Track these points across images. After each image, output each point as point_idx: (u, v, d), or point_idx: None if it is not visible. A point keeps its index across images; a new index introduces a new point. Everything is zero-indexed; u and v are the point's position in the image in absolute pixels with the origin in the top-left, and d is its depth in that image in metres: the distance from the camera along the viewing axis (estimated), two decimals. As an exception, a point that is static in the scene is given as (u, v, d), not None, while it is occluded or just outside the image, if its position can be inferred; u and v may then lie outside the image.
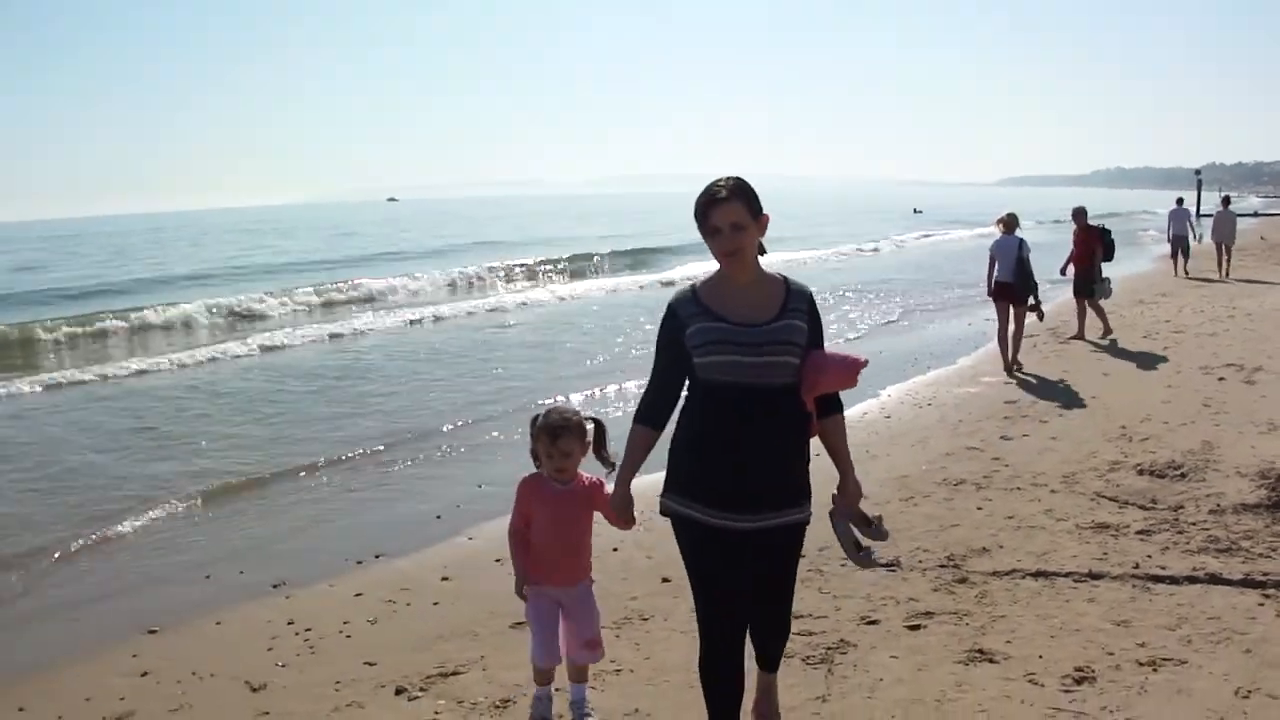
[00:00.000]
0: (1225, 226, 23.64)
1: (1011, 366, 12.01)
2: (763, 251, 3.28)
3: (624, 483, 3.46)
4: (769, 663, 3.71)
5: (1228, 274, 22.72)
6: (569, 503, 3.78)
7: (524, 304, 23.12)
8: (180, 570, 6.39)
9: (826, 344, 3.36)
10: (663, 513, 3.35)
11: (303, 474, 8.61)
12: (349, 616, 5.43)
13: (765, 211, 3.21)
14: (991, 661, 4.53)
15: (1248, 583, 5.22)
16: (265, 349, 16.56)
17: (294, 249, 49.48)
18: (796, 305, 3.23)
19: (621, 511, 3.49)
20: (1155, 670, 4.34)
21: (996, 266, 12.03)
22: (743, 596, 3.35)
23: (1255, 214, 64.67)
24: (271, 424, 10.64)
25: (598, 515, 3.84)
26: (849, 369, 3.25)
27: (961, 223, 60.08)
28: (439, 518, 7.21)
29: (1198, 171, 63.85)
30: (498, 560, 6.03)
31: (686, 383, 3.27)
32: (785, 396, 3.18)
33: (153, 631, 5.37)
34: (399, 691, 4.47)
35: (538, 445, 3.74)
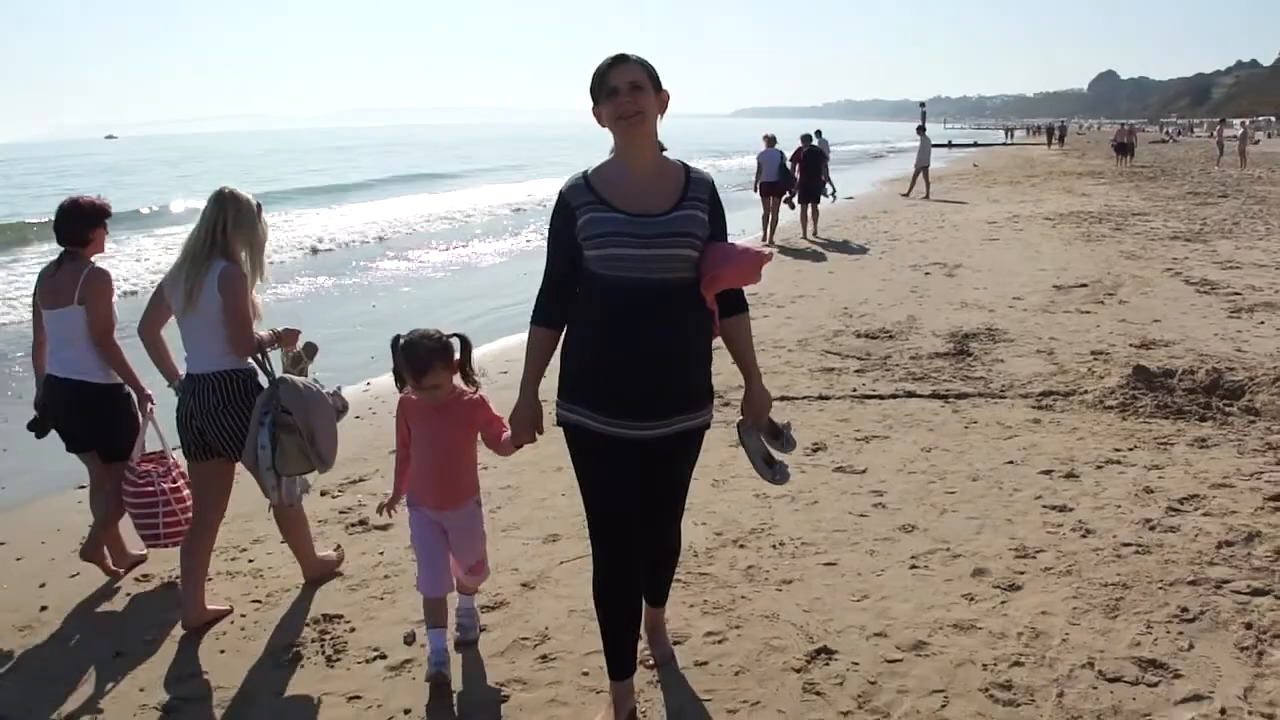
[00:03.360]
0: (923, 153, 28.89)
1: (770, 239, 18.07)
2: (662, 148, 3.34)
3: (528, 392, 3.44)
4: (657, 592, 3.88)
5: (927, 194, 27.53)
6: (444, 419, 3.84)
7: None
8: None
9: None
10: (558, 422, 3.39)
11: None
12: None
13: (665, 90, 3.28)
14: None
15: (934, 396, 7.82)
16: None
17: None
18: (697, 194, 3.26)
19: (524, 425, 3.45)
20: (868, 441, 6.75)
21: (764, 171, 18.46)
22: (636, 511, 3.41)
23: (949, 144, 74.53)
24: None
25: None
26: (752, 262, 3.27)
27: (701, 151, 64.23)
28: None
29: (922, 104, 71.90)
30: (371, 410, 7.89)
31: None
32: (683, 292, 3.21)
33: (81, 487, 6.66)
34: (323, 494, 6.13)
35: (403, 374, 3.79)
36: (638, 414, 3.24)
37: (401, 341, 3.75)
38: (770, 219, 18.70)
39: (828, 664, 3.95)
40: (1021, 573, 4.70)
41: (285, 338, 4.67)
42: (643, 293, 3.15)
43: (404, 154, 75.51)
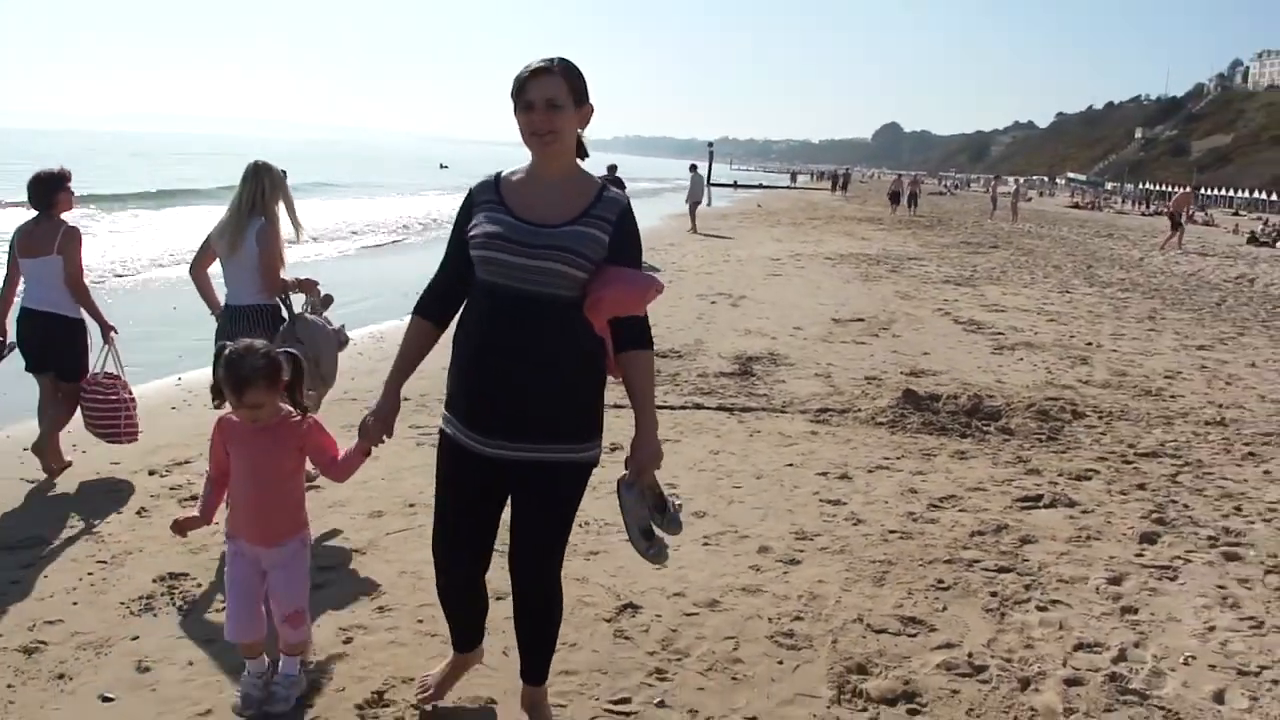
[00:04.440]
0: (694, 189, 31.40)
1: None
2: (584, 155, 3.34)
3: (389, 386, 3.40)
4: (533, 666, 3.64)
5: (693, 228, 29.77)
6: (268, 443, 3.59)
7: None
8: None
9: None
10: (440, 427, 3.43)
11: None
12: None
13: (589, 102, 3.24)
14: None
15: (721, 408, 8.66)
16: None
17: None
18: (602, 214, 3.21)
19: (375, 423, 3.37)
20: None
21: None
22: (480, 530, 3.45)
23: (735, 185, 78.59)
24: None
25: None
26: (637, 290, 3.22)
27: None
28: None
29: (710, 144, 75.26)
30: (185, 402, 8.17)
31: None
32: (561, 311, 3.16)
33: None
34: (151, 473, 6.53)
35: (222, 388, 3.55)
36: (488, 429, 3.22)
37: (226, 352, 3.51)
38: None
39: (634, 616, 4.63)
40: (801, 551, 5.50)
41: (305, 285, 5.91)
42: (514, 303, 3.14)
43: (212, 163, 73.22)
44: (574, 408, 3.26)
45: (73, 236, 6.24)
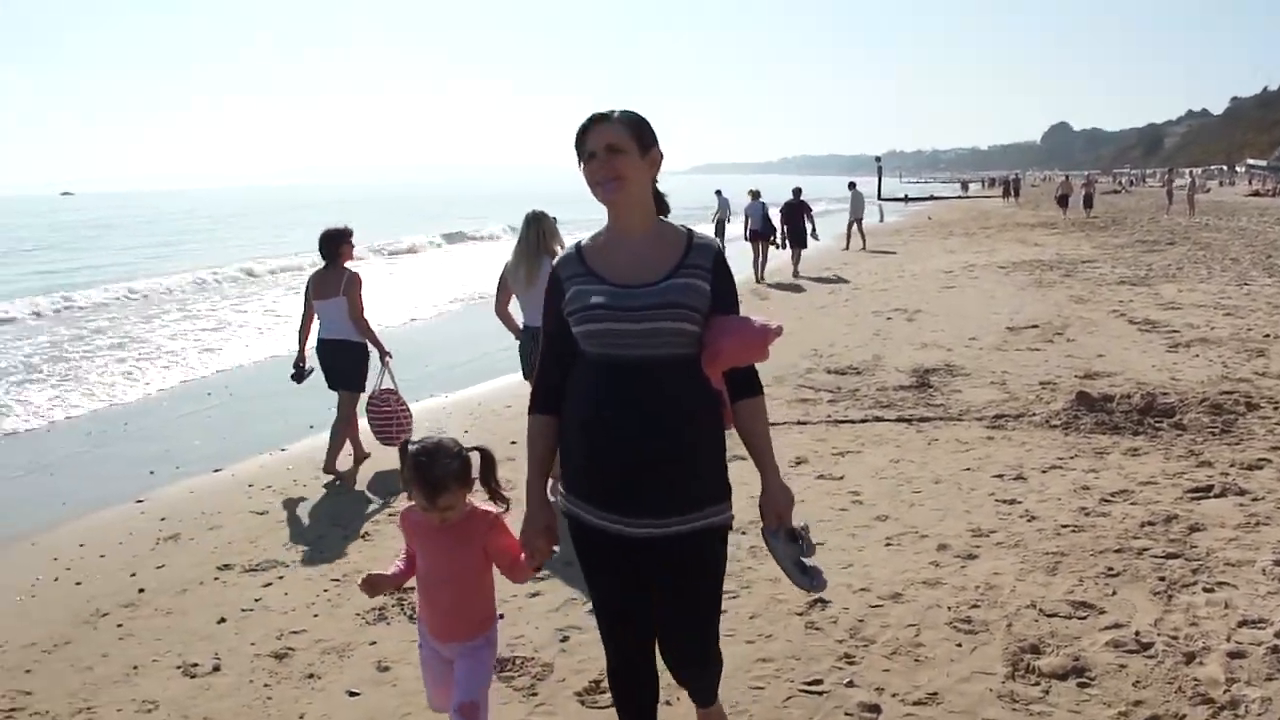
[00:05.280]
0: (855, 206, 31.42)
1: (761, 279, 21.96)
2: (665, 210, 3.15)
3: (535, 495, 3.16)
4: (699, 696, 3.55)
5: (864, 245, 30.07)
6: (451, 543, 3.33)
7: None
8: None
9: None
10: (561, 511, 3.18)
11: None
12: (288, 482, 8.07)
13: (658, 147, 3.04)
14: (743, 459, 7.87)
15: (900, 420, 8.96)
16: None
17: None
18: (697, 262, 3.00)
19: (536, 535, 3.15)
20: (844, 456, 7.86)
21: (751, 220, 22.72)
22: (640, 608, 3.20)
23: (906, 199, 77.17)
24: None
25: None
26: (758, 337, 2.99)
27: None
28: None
29: (878, 159, 74.26)
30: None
31: None
32: (680, 372, 2.96)
33: (139, 501, 7.68)
34: (369, 500, 7.35)
35: (411, 491, 3.27)
36: (625, 508, 2.97)
37: (413, 450, 3.23)
38: (760, 260, 22.63)
39: (823, 610, 5.04)
40: (978, 547, 5.81)
41: None
42: (631, 371, 2.92)
43: (416, 211, 77.09)
44: (707, 469, 3.04)
45: (354, 281, 7.89)
